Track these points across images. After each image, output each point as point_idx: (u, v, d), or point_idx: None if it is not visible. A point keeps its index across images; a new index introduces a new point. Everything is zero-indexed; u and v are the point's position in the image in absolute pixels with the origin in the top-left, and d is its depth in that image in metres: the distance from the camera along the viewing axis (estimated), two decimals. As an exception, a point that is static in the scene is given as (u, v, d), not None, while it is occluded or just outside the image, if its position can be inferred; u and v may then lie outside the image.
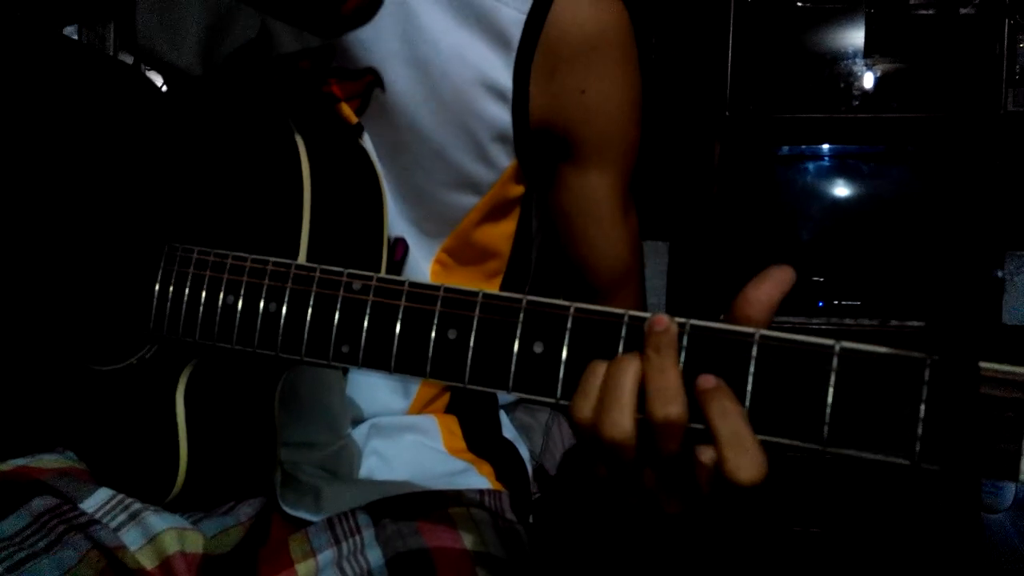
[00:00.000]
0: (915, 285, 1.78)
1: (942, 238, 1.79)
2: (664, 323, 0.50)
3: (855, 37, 1.88)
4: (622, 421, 0.50)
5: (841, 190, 1.92)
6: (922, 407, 0.45)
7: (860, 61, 1.88)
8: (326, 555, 0.74)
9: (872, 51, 1.87)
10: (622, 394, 0.50)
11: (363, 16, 0.77)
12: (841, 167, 1.92)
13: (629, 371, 0.50)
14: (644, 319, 0.52)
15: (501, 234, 0.88)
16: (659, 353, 0.50)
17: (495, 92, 0.78)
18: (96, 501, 0.72)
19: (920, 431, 0.45)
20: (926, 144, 1.87)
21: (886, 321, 1.74)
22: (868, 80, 1.88)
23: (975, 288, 1.68)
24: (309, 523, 0.78)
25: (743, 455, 0.47)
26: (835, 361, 0.47)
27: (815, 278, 1.83)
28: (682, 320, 0.51)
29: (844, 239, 1.88)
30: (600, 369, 0.52)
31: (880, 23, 1.87)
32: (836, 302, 1.81)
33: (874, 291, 1.81)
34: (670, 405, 0.49)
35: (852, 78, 1.87)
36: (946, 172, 1.85)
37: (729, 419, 0.48)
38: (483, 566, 0.72)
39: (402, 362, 0.59)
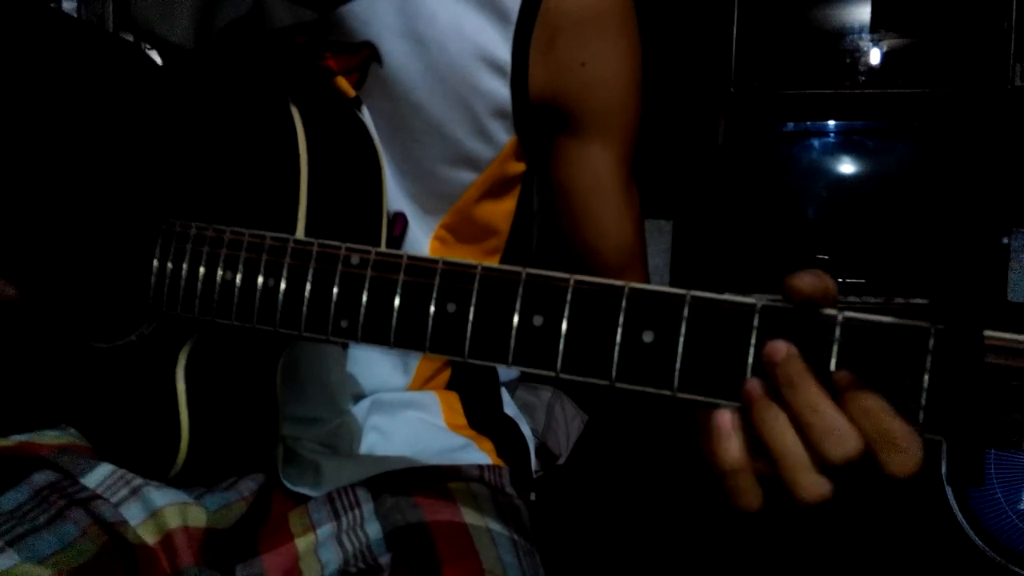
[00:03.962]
0: (920, 262, 1.78)
1: (949, 213, 1.78)
2: (781, 350, 0.48)
3: (861, 12, 1.87)
4: (811, 478, 0.48)
5: (846, 167, 1.91)
6: (926, 377, 0.45)
7: (866, 36, 1.86)
8: (325, 529, 0.74)
9: (878, 26, 1.86)
10: (798, 453, 0.48)
11: None
12: (847, 143, 1.91)
13: (786, 424, 0.48)
14: (645, 291, 0.51)
15: (501, 212, 0.88)
16: (797, 388, 0.48)
17: (494, 67, 0.77)
18: (98, 476, 0.72)
19: (924, 400, 0.45)
20: (933, 120, 1.86)
21: (891, 298, 1.74)
22: (874, 56, 1.86)
23: (981, 258, 1.67)
24: (309, 498, 0.79)
25: (895, 451, 0.46)
26: (838, 331, 0.47)
27: (820, 256, 1.83)
28: (683, 291, 0.50)
29: (849, 216, 1.88)
30: (736, 450, 0.50)
31: (887, -2, 1.86)
32: (841, 279, 1.81)
33: (879, 268, 1.81)
34: (845, 444, 0.47)
35: (858, 54, 1.86)
36: (953, 148, 1.84)
37: (873, 416, 0.46)
38: (482, 540, 0.72)
39: (401, 336, 0.58)
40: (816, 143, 1.91)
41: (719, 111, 1.85)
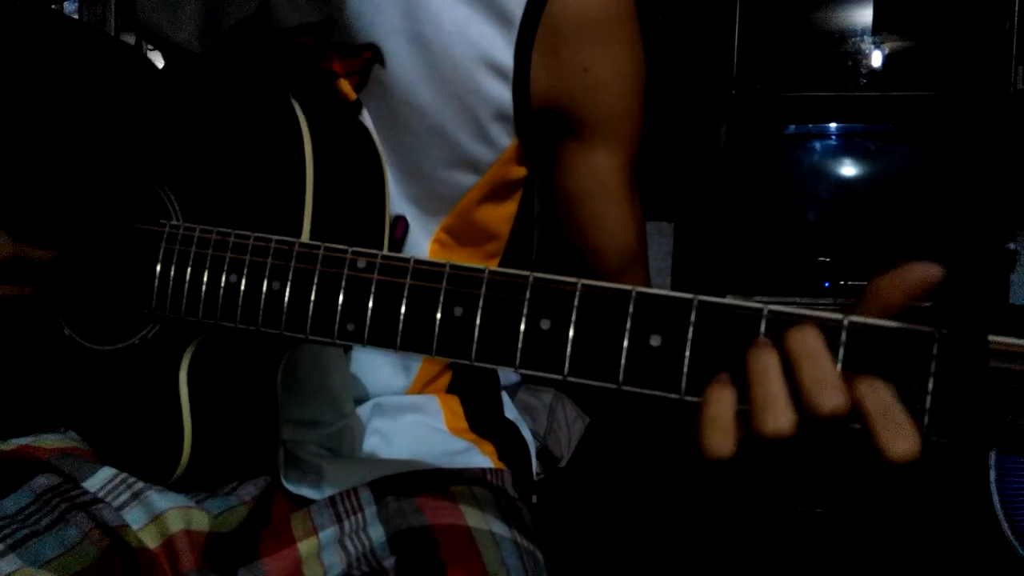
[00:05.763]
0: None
1: (951, 216, 1.78)
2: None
3: (863, 14, 1.87)
4: (784, 416, 0.47)
5: (848, 169, 1.91)
6: (931, 381, 0.45)
7: (868, 39, 1.86)
8: (328, 532, 0.74)
9: (880, 28, 1.86)
10: (776, 388, 0.48)
11: None
12: (848, 146, 1.91)
13: (775, 362, 0.48)
14: (652, 295, 0.51)
15: (501, 215, 0.88)
16: (805, 336, 0.48)
17: (496, 70, 0.77)
18: (99, 480, 0.72)
19: (928, 404, 0.45)
20: (935, 123, 1.86)
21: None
22: (876, 58, 1.86)
23: (985, 262, 1.67)
24: (311, 501, 0.79)
25: (895, 431, 0.45)
26: (844, 335, 0.47)
27: (821, 258, 1.83)
28: (690, 296, 0.50)
29: (851, 219, 1.88)
30: (723, 388, 0.49)
31: (888, 0, 1.86)
32: (843, 282, 1.81)
33: (881, 271, 1.80)
34: (834, 396, 0.46)
35: (860, 56, 1.86)
36: (955, 151, 1.84)
37: (879, 395, 0.46)
38: (485, 543, 0.72)
39: (408, 340, 0.58)
40: (818, 146, 1.91)
41: (721, 113, 1.85)
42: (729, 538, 1.53)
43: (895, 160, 1.90)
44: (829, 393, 0.46)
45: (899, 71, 1.86)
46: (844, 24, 1.87)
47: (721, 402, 0.49)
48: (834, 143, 1.91)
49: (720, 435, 0.49)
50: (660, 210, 1.90)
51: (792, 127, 1.90)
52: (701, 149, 1.88)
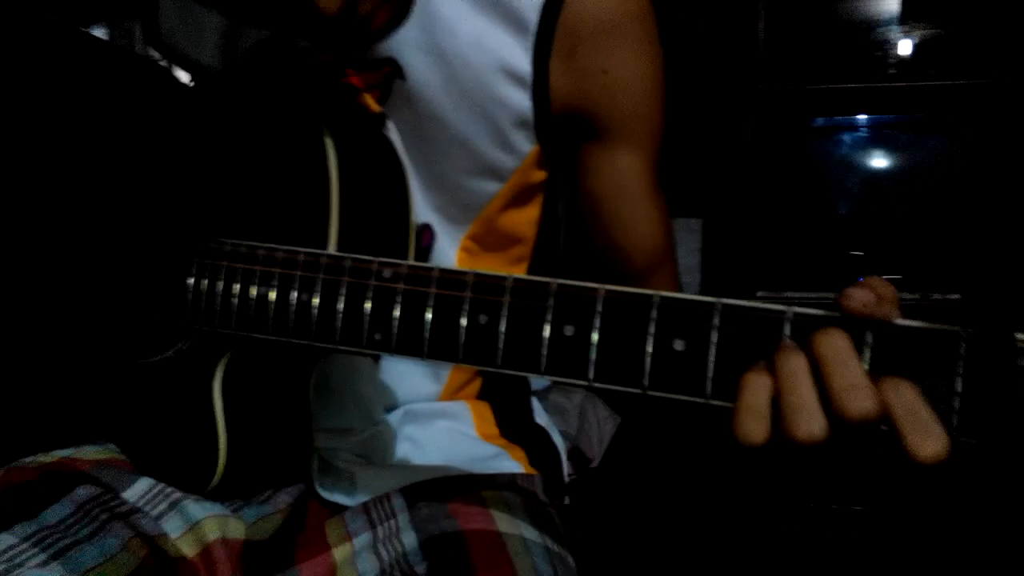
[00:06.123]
0: (957, 257, 1.75)
1: (983, 209, 1.75)
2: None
3: (890, 3, 1.84)
4: (816, 421, 0.47)
5: (879, 161, 1.88)
6: (958, 380, 0.45)
7: (896, 28, 1.84)
8: (362, 539, 0.75)
9: (908, 17, 1.84)
10: (808, 393, 0.48)
11: (393, 24, 0.77)
12: (878, 138, 1.88)
13: (804, 367, 0.48)
14: (675, 299, 0.51)
15: (525, 219, 0.88)
16: (832, 340, 0.48)
17: (514, 77, 0.78)
18: (138, 490, 0.73)
19: (957, 404, 0.45)
20: (966, 112, 1.83)
21: (928, 295, 1.71)
22: (905, 47, 1.84)
23: (1012, 259, 1.64)
24: (345, 508, 0.79)
25: (922, 433, 0.45)
26: (870, 336, 0.47)
27: (854, 252, 1.81)
28: (713, 299, 0.50)
29: (883, 212, 1.85)
30: (760, 376, 0.49)
31: (915, -12, 1.84)
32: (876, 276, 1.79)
33: (915, 264, 1.78)
34: (865, 400, 0.46)
35: (888, 46, 1.84)
36: (987, 140, 1.81)
37: (904, 396, 0.46)
38: (516, 549, 0.72)
39: (434, 348, 0.59)
40: (847, 138, 1.88)
41: (747, 108, 1.84)
42: (761, 538, 1.53)
43: (926, 151, 1.87)
44: (860, 398, 0.46)
45: (929, 60, 1.83)
46: (871, 14, 1.84)
47: (758, 389, 0.49)
48: (864, 135, 1.89)
49: (755, 422, 0.49)
50: (688, 206, 1.89)
51: (820, 120, 1.88)
52: (729, 144, 1.87)
